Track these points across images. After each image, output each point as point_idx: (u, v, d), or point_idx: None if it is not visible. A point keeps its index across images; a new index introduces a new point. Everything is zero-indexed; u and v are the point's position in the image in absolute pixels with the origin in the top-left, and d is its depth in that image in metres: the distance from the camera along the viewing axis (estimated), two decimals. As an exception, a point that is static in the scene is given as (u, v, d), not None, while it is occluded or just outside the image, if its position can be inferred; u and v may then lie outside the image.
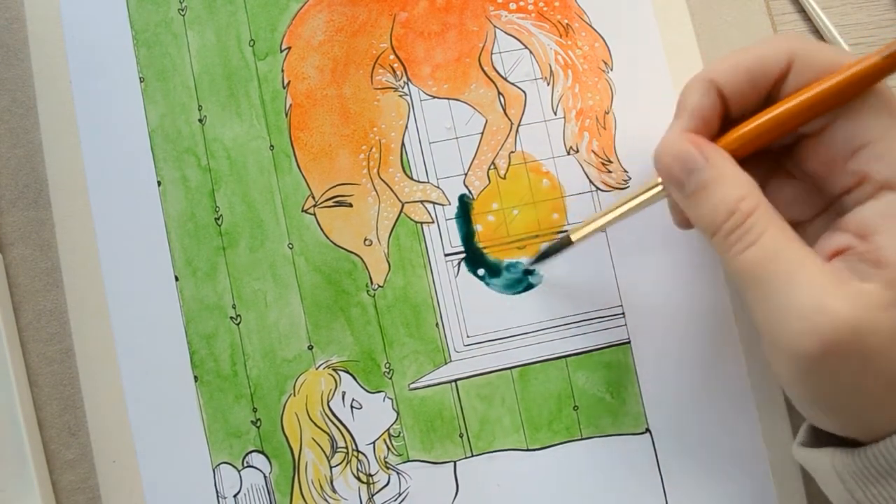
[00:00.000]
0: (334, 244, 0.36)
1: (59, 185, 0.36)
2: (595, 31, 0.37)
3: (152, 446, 0.35)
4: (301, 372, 0.36)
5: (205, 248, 0.36)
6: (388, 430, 0.35)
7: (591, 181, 0.36)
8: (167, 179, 0.36)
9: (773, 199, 0.30)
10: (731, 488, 0.34)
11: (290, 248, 0.36)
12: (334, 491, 0.35)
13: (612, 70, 0.37)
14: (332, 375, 0.36)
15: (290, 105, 0.37)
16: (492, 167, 0.37)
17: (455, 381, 0.36)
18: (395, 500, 0.35)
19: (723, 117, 0.29)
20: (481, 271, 0.36)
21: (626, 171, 0.36)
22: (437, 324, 0.36)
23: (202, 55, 0.37)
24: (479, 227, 0.36)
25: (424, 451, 0.35)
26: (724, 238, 0.27)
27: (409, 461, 0.35)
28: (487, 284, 0.36)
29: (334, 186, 0.36)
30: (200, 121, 0.37)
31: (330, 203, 0.36)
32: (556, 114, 0.37)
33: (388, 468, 0.35)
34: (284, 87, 0.37)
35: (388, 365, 0.36)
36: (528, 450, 0.35)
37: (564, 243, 0.33)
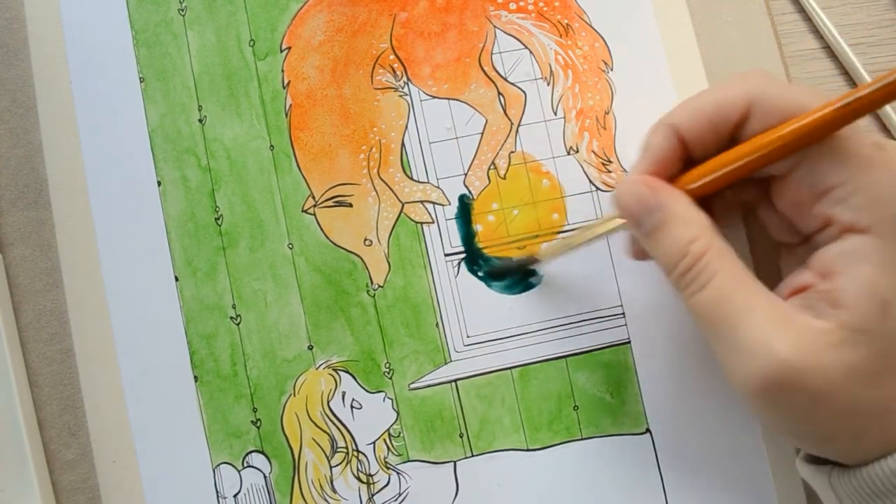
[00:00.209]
0: (334, 244, 0.36)
1: (59, 185, 0.36)
2: (595, 31, 0.37)
3: (152, 446, 0.35)
4: (301, 372, 0.36)
5: (205, 248, 0.36)
6: (388, 430, 0.35)
7: (591, 181, 0.36)
8: (167, 179, 0.36)
9: (765, 221, 0.31)
10: (731, 488, 0.34)
11: (290, 248, 0.36)
12: (334, 491, 0.35)
13: (612, 70, 0.37)
14: (332, 375, 0.36)
15: (290, 105, 0.37)
16: (492, 167, 0.37)
17: (455, 381, 0.36)
18: (395, 500, 0.35)
19: (684, 160, 0.30)
20: (481, 271, 0.36)
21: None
22: (437, 324, 0.36)
23: (202, 55, 0.37)
24: (479, 228, 0.36)
25: (424, 451, 0.35)
26: (677, 280, 0.28)
27: (409, 461, 0.35)
28: (487, 285, 0.36)
29: (334, 186, 0.36)
30: (200, 121, 0.37)
31: (330, 203, 0.36)
32: (556, 114, 0.37)
33: (388, 468, 0.35)
34: (284, 87, 0.37)
35: (388, 365, 0.36)
36: (528, 450, 0.35)
37: (530, 261, 0.35)
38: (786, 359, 0.25)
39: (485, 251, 0.36)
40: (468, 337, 0.36)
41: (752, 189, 0.31)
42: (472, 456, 0.35)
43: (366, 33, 0.37)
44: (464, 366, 0.36)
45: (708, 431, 0.35)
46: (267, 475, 0.35)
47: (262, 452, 0.35)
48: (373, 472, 0.35)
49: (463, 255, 0.36)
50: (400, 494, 0.35)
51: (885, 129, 0.37)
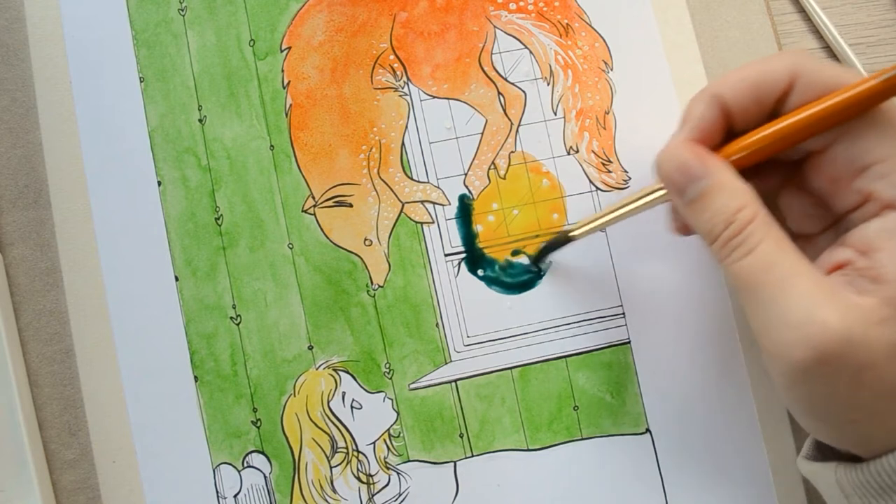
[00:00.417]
0: (334, 244, 0.36)
1: (59, 185, 0.36)
2: (595, 31, 0.37)
3: (152, 446, 0.35)
4: (301, 372, 0.36)
5: (205, 248, 0.36)
6: (388, 430, 0.35)
7: (591, 181, 0.36)
8: (167, 179, 0.36)
9: (785, 210, 0.31)
10: (731, 488, 0.34)
11: (290, 248, 0.36)
12: (334, 491, 0.35)
13: (612, 70, 0.37)
14: (332, 375, 0.36)
15: (290, 105, 0.37)
16: (492, 167, 0.37)
17: (455, 381, 0.36)
18: (395, 500, 0.35)
19: (726, 131, 0.29)
20: (481, 271, 0.36)
21: (625, 171, 0.36)
22: (437, 324, 0.36)
23: (202, 55, 0.37)
24: (479, 227, 0.36)
25: (424, 451, 0.35)
26: (721, 246, 0.27)
27: (409, 461, 0.35)
28: (487, 284, 0.36)
29: (334, 186, 0.36)
30: (200, 121, 0.37)
31: (330, 203, 0.36)
32: (556, 114, 0.37)
33: (388, 468, 0.35)
34: (284, 87, 0.37)
35: (388, 365, 0.36)
36: (528, 450, 0.35)
37: (563, 240, 0.34)
38: (835, 330, 0.24)
39: (485, 251, 0.36)
40: (468, 337, 0.36)
41: (777, 174, 0.31)
42: (472, 456, 0.35)
43: (366, 33, 0.37)
44: (464, 366, 0.36)
45: (708, 431, 0.35)
46: (267, 475, 0.35)
47: (262, 452, 0.35)
48: (373, 473, 0.35)
49: (463, 255, 0.36)
50: (400, 494, 0.35)
51: None
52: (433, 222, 0.36)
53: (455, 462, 0.35)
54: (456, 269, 0.36)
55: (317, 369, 0.36)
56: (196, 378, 0.35)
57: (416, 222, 0.36)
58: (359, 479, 0.35)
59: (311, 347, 0.36)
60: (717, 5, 0.37)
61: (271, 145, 0.37)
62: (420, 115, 0.37)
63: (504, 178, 0.37)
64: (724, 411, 0.35)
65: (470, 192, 0.37)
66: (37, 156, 0.36)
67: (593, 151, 0.37)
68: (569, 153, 0.37)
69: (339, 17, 0.37)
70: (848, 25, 0.38)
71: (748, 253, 0.26)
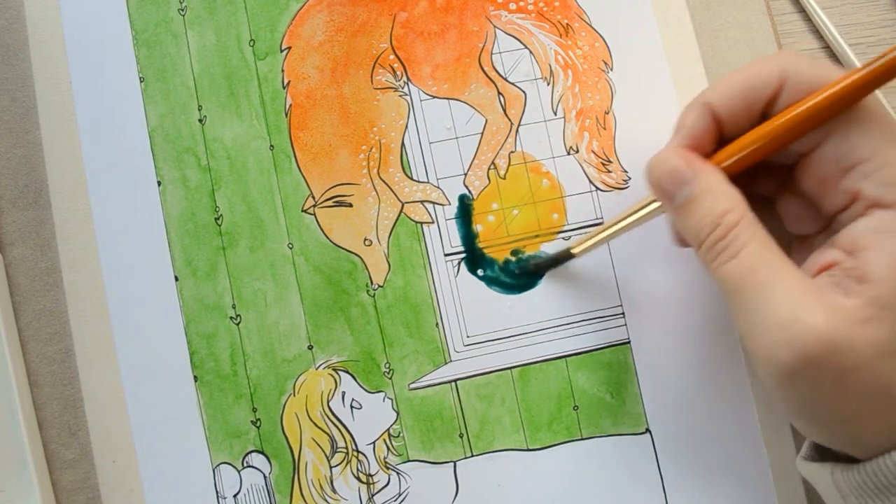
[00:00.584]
0: (334, 244, 0.36)
1: (59, 185, 0.36)
2: (595, 31, 0.37)
3: (152, 446, 0.35)
4: (301, 372, 0.36)
5: (205, 248, 0.36)
6: (388, 430, 0.35)
7: (590, 181, 0.36)
8: (167, 179, 0.36)
9: (782, 213, 0.31)
10: (731, 488, 0.34)
11: (290, 248, 0.36)
12: (334, 491, 0.35)
13: (612, 70, 0.37)
14: (332, 375, 0.36)
15: (290, 105, 0.37)
16: (492, 167, 0.37)
17: (455, 381, 0.36)
18: (395, 500, 0.35)
19: (718, 137, 0.30)
20: (481, 271, 0.36)
21: (625, 171, 0.36)
22: (437, 324, 0.36)
23: (202, 55, 0.37)
24: (479, 227, 0.36)
25: (424, 451, 0.35)
26: (707, 250, 0.28)
27: (409, 461, 0.35)
28: (487, 284, 0.36)
29: (334, 186, 0.36)
30: (200, 121, 0.37)
31: (330, 203, 0.36)
32: (556, 114, 0.37)
33: (388, 468, 0.35)
34: (284, 87, 0.37)
35: (388, 365, 0.36)
36: (528, 450, 0.35)
37: (565, 256, 0.34)
38: (819, 332, 0.25)
39: (485, 251, 0.36)
40: (468, 337, 0.36)
41: (772, 180, 0.31)
42: (472, 456, 0.35)
43: (366, 33, 0.37)
44: (464, 366, 0.36)
45: (708, 431, 0.35)
46: (267, 475, 0.35)
47: (261, 452, 0.35)
48: (373, 472, 0.35)
49: (463, 255, 0.36)
50: (400, 494, 0.35)
51: None
52: (433, 222, 0.36)
53: (455, 462, 0.35)
54: (456, 269, 0.36)
55: (317, 369, 0.36)
56: (196, 378, 0.35)
57: (416, 222, 0.36)
58: (359, 479, 0.35)
59: (310, 347, 0.36)
60: (717, 5, 0.37)
61: (271, 145, 0.37)
62: (420, 115, 0.37)
63: (504, 178, 0.37)
64: (724, 411, 0.35)
65: (470, 192, 0.37)
66: (37, 156, 0.36)
67: (593, 151, 0.37)
68: (569, 153, 0.37)
69: (339, 17, 0.37)
70: (848, 25, 0.38)
71: (733, 256, 0.27)
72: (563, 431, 0.35)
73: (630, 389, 0.35)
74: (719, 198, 0.28)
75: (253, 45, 0.37)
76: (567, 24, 0.37)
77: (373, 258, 0.36)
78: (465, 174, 0.37)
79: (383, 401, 0.36)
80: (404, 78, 0.37)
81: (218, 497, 0.35)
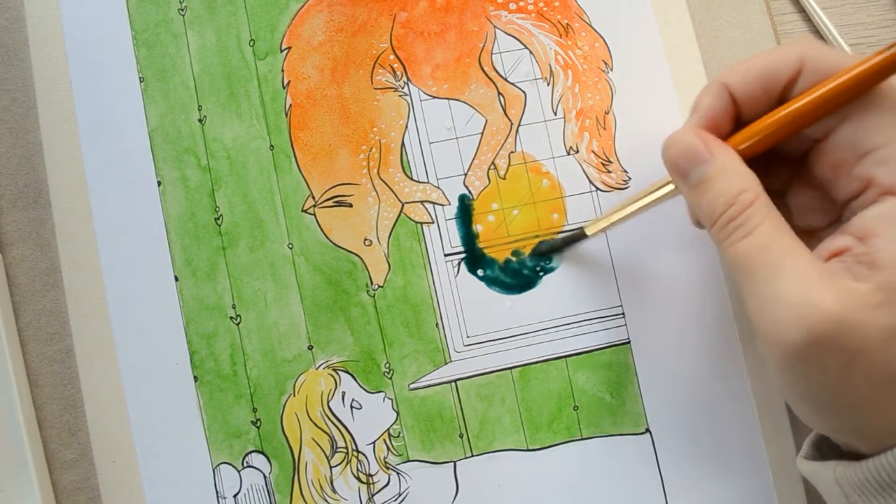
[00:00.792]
0: (334, 244, 0.36)
1: (59, 185, 0.36)
2: (595, 31, 0.37)
3: (152, 446, 0.35)
4: (301, 372, 0.36)
5: (205, 248, 0.36)
6: (388, 430, 0.35)
7: (590, 181, 0.36)
8: (167, 179, 0.36)
9: (793, 206, 0.31)
10: (731, 488, 0.34)
11: (290, 248, 0.36)
12: (334, 491, 0.35)
13: (612, 70, 0.37)
14: (331, 375, 0.36)
15: (290, 105, 0.37)
16: (492, 167, 0.37)
17: (455, 381, 0.36)
18: (395, 500, 0.35)
19: (735, 120, 0.30)
20: (481, 271, 0.36)
21: (625, 171, 0.36)
22: (437, 324, 0.36)
23: (202, 55, 0.37)
24: (479, 228, 0.36)
25: (424, 451, 0.35)
26: (720, 228, 0.28)
27: (409, 461, 0.35)
28: (487, 284, 0.36)
29: (334, 186, 0.36)
30: (200, 121, 0.37)
31: (330, 203, 0.36)
32: (556, 114, 0.37)
33: (388, 468, 0.35)
34: (284, 87, 0.37)
35: (388, 365, 0.36)
36: (528, 450, 0.35)
37: (579, 236, 0.34)
38: (829, 312, 0.25)
39: (485, 251, 0.36)
40: (468, 337, 0.36)
41: (783, 172, 0.31)
42: (472, 456, 0.35)
43: (366, 33, 0.37)
44: (464, 366, 0.36)
45: (708, 431, 0.35)
46: (267, 475, 0.35)
47: (261, 452, 0.35)
48: (373, 472, 0.35)
49: (463, 255, 0.36)
50: (400, 494, 0.35)
51: None
52: (433, 222, 0.36)
53: (455, 462, 0.35)
54: (456, 269, 0.36)
55: (317, 369, 0.36)
56: (196, 378, 0.35)
57: (416, 222, 0.36)
58: (358, 479, 0.35)
59: (310, 347, 0.36)
60: (717, 5, 0.37)
61: (271, 145, 0.37)
62: (420, 115, 0.37)
63: (504, 179, 0.37)
64: (724, 411, 0.35)
65: (470, 192, 0.37)
66: (37, 156, 0.36)
67: (593, 151, 0.37)
68: (569, 153, 0.37)
69: (339, 17, 0.37)
70: (848, 25, 0.38)
71: (747, 234, 0.27)
72: (563, 431, 0.35)
73: (630, 389, 0.35)
74: (734, 177, 0.28)
75: (253, 45, 0.37)
76: (567, 24, 0.37)
77: (373, 258, 0.36)
78: (465, 174, 0.37)
79: (383, 401, 0.36)
80: (404, 78, 0.37)
81: (218, 497, 0.35)
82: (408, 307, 0.36)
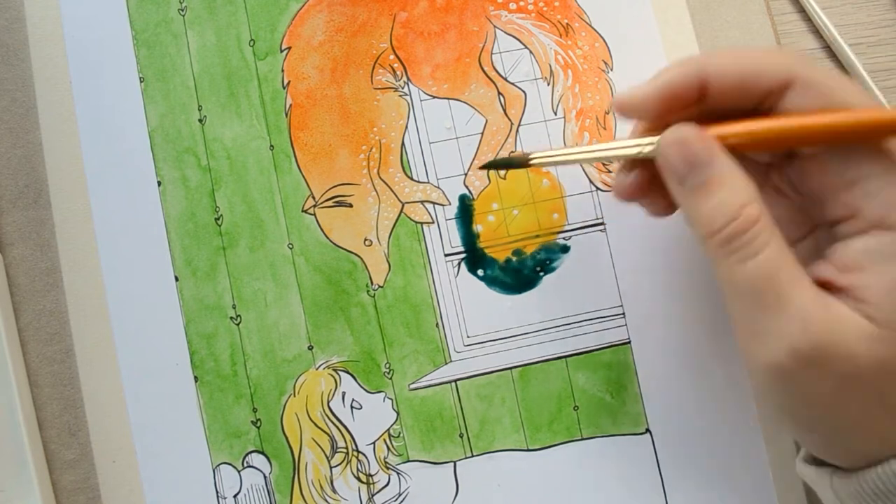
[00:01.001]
0: (334, 244, 0.36)
1: (59, 185, 0.36)
2: (595, 31, 0.37)
3: (152, 446, 0.35)
4: (301, 372, 0.36)
5: (205, 248, 0.36)
6: (388, 430, 0.35)
7: (590, 181, 0.36)
8: (167, 179, 0.36)
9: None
10: (731, 488, 0.34)
11: (290, 248, 0.36)
12: (334, 491, 0.35)
13: (612, 70, 0.37)
14: (332, 375, 0.36)
15: (290, 105, 0.37)
16: (492, 167, 0.37)
17: (455, 381, 0.36)
18: (395, 500, 0.35)
19: (691, 103, 0.28)
20: (481, 271, 0.36)
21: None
22: (437, 324, 0.36)
23: (202, 55, 0.37)
24: (479, 228, 0.36)
25: (424, 451, 0.35)
26: (721, 244, 0.26)
27: (409, 461, 0.35)
28: (487, 285, 0.36)
29: (334, 186, 0.36)
30: (200, 121, 0.37)
31: (330, 203, 0.36)
32: (556, 114, 0.37)
33: (388, 468, 0.35)
34: (284, 87, 0.37)
35: (388, 365, 0.36)
36: (528, 450, 0.35)
37: (522, 161, 0.31)
38: (824, 336, 0.24)
39: (485, 251, 0.36)
40: (468, 337, 0.36)
41: (755, 177, 0.30)
42: (472, 456, 0.35)
43: (366, 33, 0.37)
44: (464, 366, 0.36)
45: (708, 431, 0.35)
46: (267, 475, 0.35)
47: (262, 452, 0.35)
48: (373, 472, 0.35)
49: (463, 255, 0.36)
50: (400, 494, 0.35)
51: None
52: (433, 222, 0.36)
53: (455, 462, 0.35)
54: (456, 269, 0.36)
55: (317, 369, 0.36)
56: (196, 378, 0.35)
57: (416, 222, 0.36)
58: (359, 479, 0.35)
59: (311, 347, 0.36)
60: (717, 5, 0.37)
61: (271, 145, 0.37)
62: (420, 115, 0.37)
63: (504, 179, 0.37)
64: (723, 411, 0.35)
65: (470, 192, 0.37)
66: (37, 156, 0.36)
67: (593, 151, 0.36)
68: (569, 153, 0.37)
69: (339, 17, 0.37)
70: (848, 25, 0.38)
71: (752, 256, 0.25)
72: (563, 431, 0.35)
73: (630, 389, 0.35)
74: (737, 188, 0.26)
75: (253, 45, 0.37)
76: (567, 24, 0.37)
77: (373, 258, 0.36)
78: (466, 174, 0.37)
79: (383, 401, 0.36)
80: (404, 78, 0.37)
81: (218, 497, 0.35)
82: (408, 307, 0.36)
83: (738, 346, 0.34)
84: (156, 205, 0.36)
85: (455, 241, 0.36)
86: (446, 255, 0.36)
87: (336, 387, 0.36)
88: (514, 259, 0.36)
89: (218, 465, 0.35)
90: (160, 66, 0.37)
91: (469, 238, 0.36)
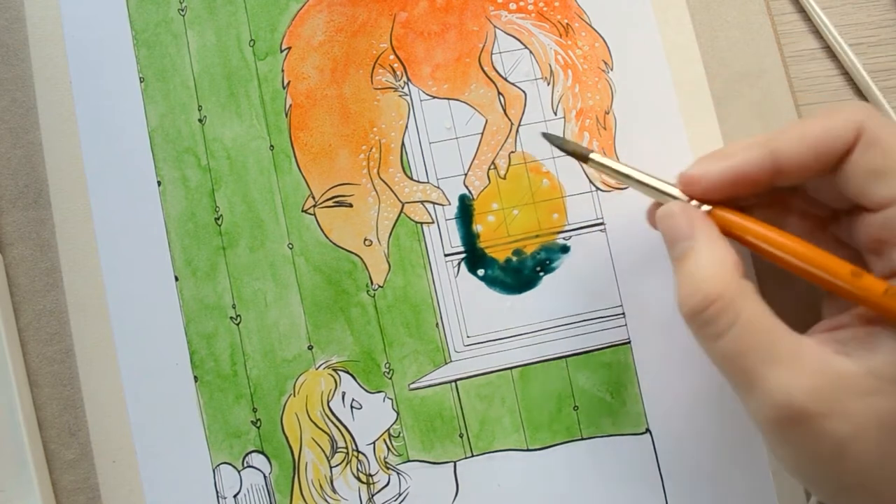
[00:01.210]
0: (334, 244, 0.36)
1: (59, 185, 0.36)
2: (595, 31, 0.37)
3: (152, 446, 0.35)
4: (301, 372, 0.36)
5: (205, 248, 0.36)
6: (388, 430, 0.35)
7: (590, 181, 0.36)
8: (167, 179, 0.36)
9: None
10: (731, 488, 0.34)
11: (290, 248, 0.36)
12: (334, 491, 0.35)
13: (612, 70, 0.37)
14: (332, 375, 0.36)
15: (290, 105, 0.37)
16: (492, 167, 0.37)
17: (455, 381, 0.36)
18: (395, 500, 0.35)
19: (772, 177, 0.28)
20: (481, 271, 0.36)
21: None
22: (437, 324, 0.36)
23: (202, 55, 0.37)
24: (479, 228, 0.36)
25: (424, 451, 0.35)
26: (689, 318, 0.27)
27: (409, 461, 0.35)
28: (487, 284, 0.36)
29: (334, 186, 0.36)
30: (200, 121, 0.37)
31: (330, 203, 0.36)
32: (556, 114, 0.37)
33: (388, 468, 0.35)
34: (284, 87, 0.37)
35: (388, 365, 0.36)
36: (528, 450, 0.35)
37: (581, 155, 0.32)
38: (804, 406, 0.24)
39: (485, 251, 0.36)
40: (468, 337, 0.36)
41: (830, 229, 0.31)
42: (472, 456, 0.35)
43: (366, 33, 0.37)
44: (464, 366, 0.36)
45: (708, 431, 0.35)
46: (267, 475, 0.35)
47: (262, 452, 0.35)
48: (373, 472, 0.35)
49: (463, 255, 0.36)
50: (400, 494, 0.35)
51: None
52: (433, 222, 0.36)
53: (455, 462, 0.35)
54: (456, 269, 0.36)
55: (317, 369, 0.36)
56: (196, 378, 0.35)
57: (416, 222, 0.36)
58: (359, 479, 0.35)
59: (310, 347, 0.36)
60: (717, 5, 0.37)
61: (271, 145, 0.37)
62: (420, 115, 0.37)
63: (504, 178, 0.37)
64: (723, 411, 0.35)
65: (470, 192, 0.37)
66: (37, 156, 0.36)
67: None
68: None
69: (339, 17, 0.37)
70: (848, 25, 0.38)
71: (720, 336, 0.26)
72: (563, 431, 0.35)
73: (630, 389, 0.35)
74: (704, 262, 0.27)
75: (253, 45, 0.37)
76: (567, 24, 0.37)
77: (373, 258, 0.36)
78: (465, 174, 0.37)
79: (383, 401, 0.36)
80: (404, 78, 0.37)
81: (218, 497, 0.35)
82: (408, 307, 0.36)
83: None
84: (156, 205, 0.36)
85: (455, 241, 0.36)
86: (446, 255, 0.36)
87: (336, 387, 0.36)
88: (514, 259, 0.36)
89: (218, 465, 0.35)
90: (160, 66, 0.37)
91: (469, 238, 0.36)
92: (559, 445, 0.35)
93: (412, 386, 0.36)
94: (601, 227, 0.36)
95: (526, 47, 0.37)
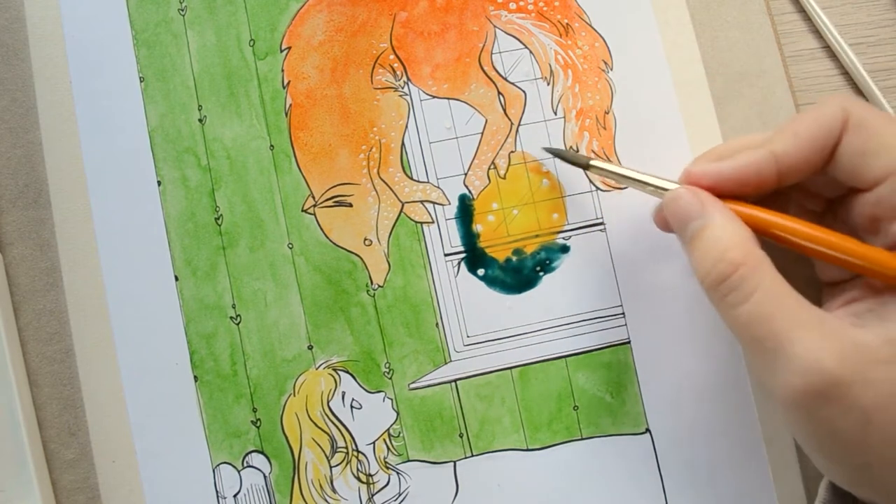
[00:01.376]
0: (334, 244, 0.36)
1: (59, 185, 0.36)
2: (595, 30, 0.37)
3: (152, 446, 0.35)
4: (301, 372, 0.36)
5: (205, 248, 0.36)
6: (388, 430, 0.35)
7: (590, 181, 0.36)
8: (167, 179, 0.36)
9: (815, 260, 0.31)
10: (731, 488, 0.34)
11: (290, 248, 0.36)
12: (334, 491, 0.35)
13: (612, 70, 0.37)
14: (331, 375, 0.36)
15: (290, 105, 0.37)
16: (492, 167, 0.37)
17: (455, 381, 0.35)
18: (395, 500, 0.35)
19: (771, 185, 0.29)
20: (481, 271, 0.36)
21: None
22: (437, 324, 0.36)
23: (202, 55, 0.37)
24: (479, 227, 0.36)
25: (424, 450, 0.35)
26: (711, 288, 0.27)
27: (408, 461, 0.35)
28: (487, 284, 0.36)
29: (334, 186, 0.36)
30: (200, 120, 0.37)
31: (330, 203, 0.36)
32: (556, 114, 0.37)
33: (388, 468, 0.35)
34: (284, 87, 0.37)
35: (388, 365, 0.36)
36: (528, 450, 0.35)
37: (581, 163, 0.33)
38: (833, 372, 0.24)
39: (485, 251, 0.36)
40: (468, 337, 0.36)
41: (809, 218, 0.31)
42: (472, 456, 0.35)
43: (366, 33, 0.37)
44: (464, 366, 0.36)
45: (708, 431, 0.35)
46: (267, 475, 0.35)
47: (261, 452, 0.35)
48: (373, 472, 0.35)
49: (463, 255, 0.36)
50: (400, 494, 0.35)
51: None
52: (433, 222, 0.36)
53: (455, 462, 0.35)
54: (456, 269, 0.36)
55: (317, 369, 0.36)
56: (196, 378, 0.35)
57: (416, 222, 0.36)
58: (358, 478, 0.35)
59: (310, 347, 0.36)
60: (717, 5, 0.37)
61: (271, 145, 0.37)
62: (420, 115, 0.37)
63: (504, 178, 0.37)
64: (723, 411, 0.35)
65: (470, 192, 0.37)
66: (37, 156, 0.36)
67: (593, 151, 0.37)
68: (569, 153, 0.37)
69: (339, 17, 0.37)
70: (848, 25, 0.38)
71: (743, 301, 0.26)
72: (563, 431, 0.35)
73: (630, 389, 0.35)
74: (723, 233, 0.27)
75: (253, 45, 0.37)
76: (567, 24, 0.37)
77: (373, 258, 0.36)
78: (465, 174, 0.37)
79: (383, 401, 0.36)
80: (404, 78, 0.37)
81: (218, 497, 0.35)
82: (408, 307, 0.36)
83: (741, 353, 0.34)
84: (156, 205, 0.36)
85: (455, 241, 0.36)
86: (446, 255, 0.36)
87: (336, 386, 0.36)
88: (514, 259, 0.36)
89: (218, 465, 0.35)
90: (160, 65, 0.37)
91: (469, 238, 0.36)
92: (559, 445, 0.35)
93: (412, 386, 0.36)
94: (601, 227, 0.36)
95: (526, 47, 0.37)
